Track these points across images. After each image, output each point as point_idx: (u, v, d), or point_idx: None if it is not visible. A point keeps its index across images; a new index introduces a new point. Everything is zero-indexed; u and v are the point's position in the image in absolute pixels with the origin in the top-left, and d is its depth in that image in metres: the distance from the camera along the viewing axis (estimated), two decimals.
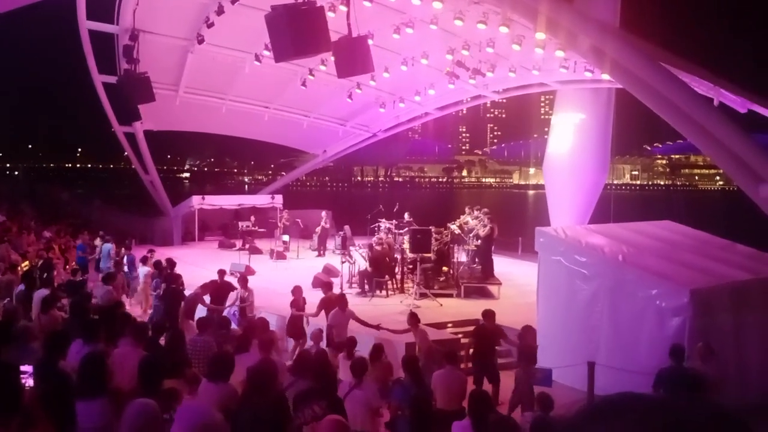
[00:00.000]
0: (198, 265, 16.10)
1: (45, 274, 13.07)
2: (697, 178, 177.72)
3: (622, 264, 9.95)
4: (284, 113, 22.68)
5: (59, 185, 49.65)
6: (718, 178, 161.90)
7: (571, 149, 18.91)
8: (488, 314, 9.52)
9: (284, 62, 15.41)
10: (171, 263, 12.70)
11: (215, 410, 2.93)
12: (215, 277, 11.96)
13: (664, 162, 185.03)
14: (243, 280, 11.80)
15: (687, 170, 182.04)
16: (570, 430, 0.60)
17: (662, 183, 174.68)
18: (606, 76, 14.58)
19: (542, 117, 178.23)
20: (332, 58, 11.68)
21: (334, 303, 10.49)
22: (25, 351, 5.76)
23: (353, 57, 11.11)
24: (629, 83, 10.83)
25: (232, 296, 11.59)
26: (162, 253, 15.58)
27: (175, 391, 5.03)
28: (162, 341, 7.39)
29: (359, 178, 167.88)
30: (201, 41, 16.54)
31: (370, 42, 12.77)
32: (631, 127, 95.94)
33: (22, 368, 4.97)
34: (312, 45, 10.07)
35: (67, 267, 15.53)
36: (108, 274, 12.33)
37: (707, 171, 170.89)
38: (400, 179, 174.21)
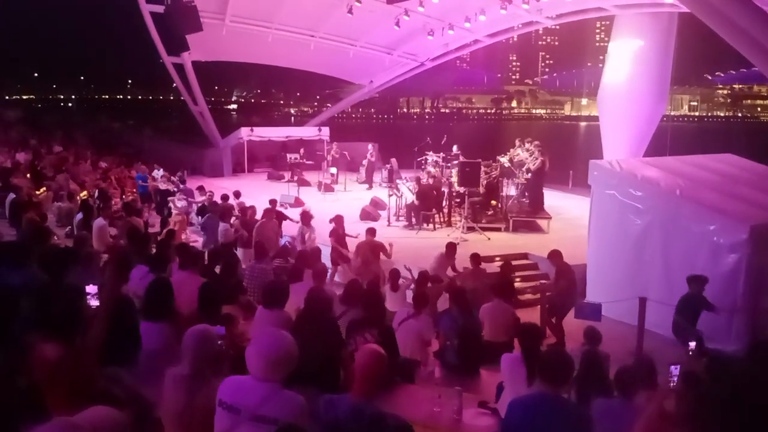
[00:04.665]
0: (249, 196, 16.37)
1: (102, 204, 13.51)
2: (759, 109, 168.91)
3: (679, 198, 9.65)
4: (330, 42, 22.30)
5: (110, 116, 50.72)
6: None
7: (627, 78, 18.14)
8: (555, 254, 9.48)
9: None
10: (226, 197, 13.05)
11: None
12: (267, 206, 12.21)
13: (725, 92, 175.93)
14: (306, 216, 11.64)
15: (749, 101, 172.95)
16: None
17: (722, 114, 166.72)
18: None
19: (597, 44, 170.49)
20: None
21: (374, 250, 10.56)
22: (89, 274, 6.00)
23: None
24: (695, 6, 10.18)
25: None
26: (212, 184, 15.89)
27: (232, 317, 5.21)
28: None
29: (405, 110, 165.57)
30: None
31: None
32: (692, 55, 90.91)
33: (88, 289, 5.19)
34: None
35: (123, 197, 16.03)
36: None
37: None
38: (447, 110, 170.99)
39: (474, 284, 9.37)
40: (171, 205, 14.74)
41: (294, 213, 13.41)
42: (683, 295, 8.27)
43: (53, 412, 2.30)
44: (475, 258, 9.94)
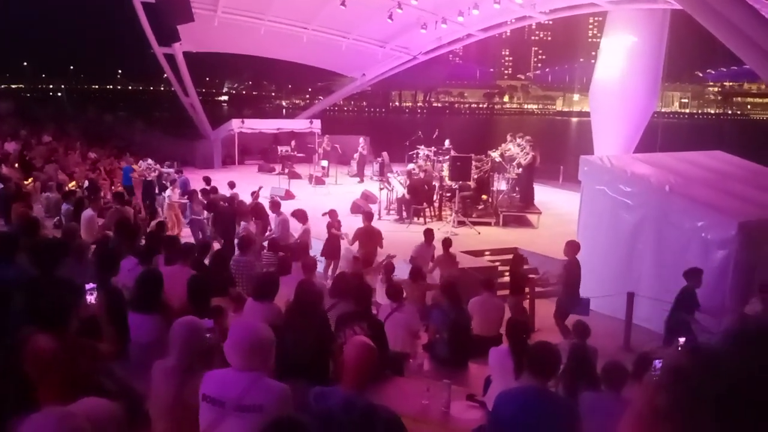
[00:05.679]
0: (240, 189, 16.30)
1: (92, 195, 13.41)
2: (749, 107, 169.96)
3: (669, 194, 9.72)
4: (323, 34, 22.23)
5: (100, 107, 50.22)
6: None
7: (619, 74, 18.22)
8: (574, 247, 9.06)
9: None
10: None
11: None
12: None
13: (716, 89, 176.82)
14: (302, 217, 10.82)
15: (739, 98, 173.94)
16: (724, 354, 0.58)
17: (713, 112, 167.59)
18: None
19: (590, 40, 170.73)
20: None
21: (372, 236, 10.54)
22: (79, 267, 5.97)
23: None
24: (688, 3, 10.22)
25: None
26: (203, 176, 15.81)
27: (221, 309, 5.21)
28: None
29: (397, 103, 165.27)
30: None
31: None
32: (683, 52, 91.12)
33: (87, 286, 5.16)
34: None
35: (112, 188, 15.93)
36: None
37: (761, 100, 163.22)
38: (439, 105, 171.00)
39: (444, 271, 9.30)
40: (165, 196, 14.60)
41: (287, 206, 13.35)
42: (682, 288, 8.22)
43: (45, 405, 2.30)
44: (446, 243, 9.83)
